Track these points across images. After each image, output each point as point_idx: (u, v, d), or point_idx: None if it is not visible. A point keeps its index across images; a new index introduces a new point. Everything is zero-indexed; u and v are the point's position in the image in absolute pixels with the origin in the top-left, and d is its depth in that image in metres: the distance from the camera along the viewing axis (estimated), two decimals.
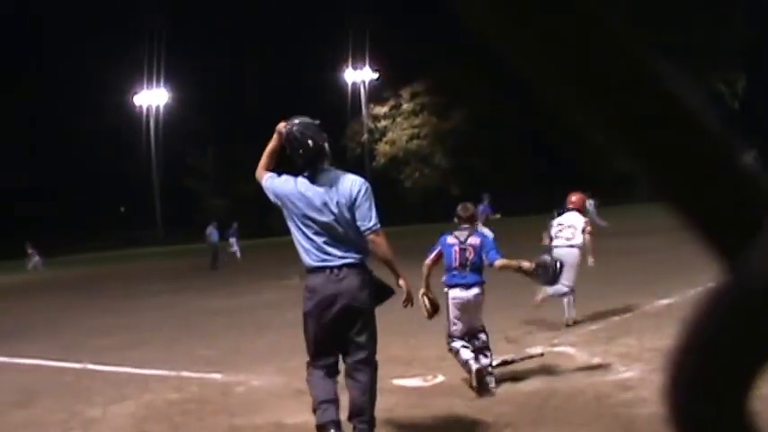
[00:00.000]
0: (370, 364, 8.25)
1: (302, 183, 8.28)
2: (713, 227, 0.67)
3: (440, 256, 11.24)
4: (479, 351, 11.04)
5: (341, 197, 8.09)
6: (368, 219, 8.14)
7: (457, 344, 11.15)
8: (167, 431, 9.91)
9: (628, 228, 35.77)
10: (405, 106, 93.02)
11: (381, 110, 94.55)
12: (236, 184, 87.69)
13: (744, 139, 0.66)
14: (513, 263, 10.94)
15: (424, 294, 10.55)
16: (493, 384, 10.85)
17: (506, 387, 10.79)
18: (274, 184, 8.40)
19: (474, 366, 10.77)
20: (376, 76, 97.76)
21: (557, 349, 12.58)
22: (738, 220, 0.66)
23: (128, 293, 29.26)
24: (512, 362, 11.99)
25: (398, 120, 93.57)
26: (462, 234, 11.28)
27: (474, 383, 10.71)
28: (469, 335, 11.18)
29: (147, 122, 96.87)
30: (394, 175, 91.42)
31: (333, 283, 8.02)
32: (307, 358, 8.31)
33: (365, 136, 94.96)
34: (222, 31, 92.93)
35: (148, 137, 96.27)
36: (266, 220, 65.18)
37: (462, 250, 11.13)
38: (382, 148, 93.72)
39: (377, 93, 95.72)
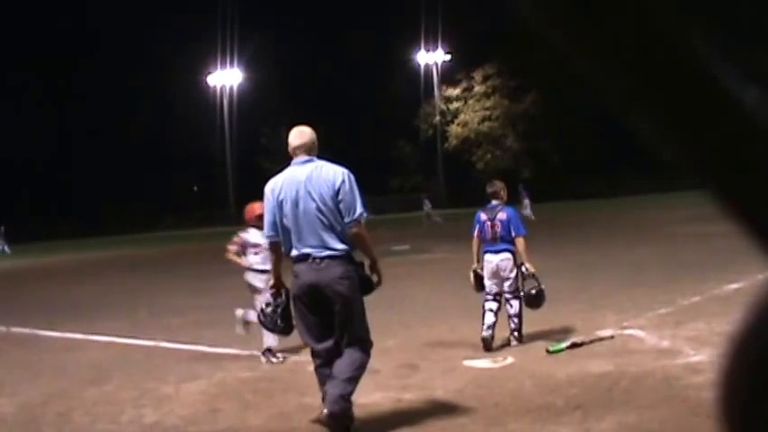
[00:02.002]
0: (359, 348, 8.38)
1: (287, 175, 8.43)
2: (765, 222, 0.68)
3: (479, 231, 12.91)
4: (510, 317, 12.73)
5: (324, 188, 8.18)
6: (352, 210, 8.24)
7: (488, 305, 12.73)
8: (238, 409, 10.01)
9: (700, 212, 35.53)
10: (477, 88, 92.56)
11: (453, 92, 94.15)
12: None
13: None
14: (524, 255, 12.72)
15: (473, 270, 12.84)
16: (516, 343, 12.61)
17: (576, 369, 10.79)
18: (269, 205, 8.51)
19: (482, 334, 12.45)
20: (448, 57, 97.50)
21: (626, 332, 12.54)
22: None
23: (201, 273, 29.45)
24: (581, 344, 12.03)
25: (470, 102, 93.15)
26: (492, 211, 12.93)
27: (484, 333, 12.49)
28: (503, 297, 12.80)
29: (221, 103, 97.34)
30: (465, 156, 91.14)
31: (314, 272, 8.15)
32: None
33: (437, 118, 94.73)
34: (295, 11, 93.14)
35: (222, 117, 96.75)
36: None
37: (492, 225, 12.76)
38: (454, 129, 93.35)
39: (449, 74, 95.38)
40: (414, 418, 9.14)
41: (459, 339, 13.41)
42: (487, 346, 12.40)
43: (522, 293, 12.77)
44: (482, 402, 9.61)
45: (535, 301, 12.75)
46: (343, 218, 8.22)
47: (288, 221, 8.26)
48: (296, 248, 8.25)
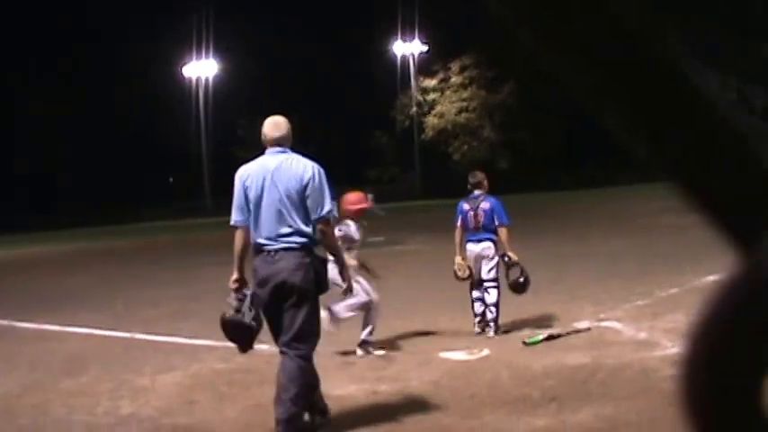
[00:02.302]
0: (299, 348, 8.21)
1: (258, 162, 8.39)
2: (730, 216, 0.68)
3: (463, 220, 13.09)
4: (486, 307, 13.01)
5: (292, 180, 8.11)
6: (319, 207, 8.16)
7: (474, 293, 13.18)
8: (214, 400, 10.00)
9: (676, 203, 35.60)
10: (454, 79, 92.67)
11: (430, 82, 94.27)
12: None
13: None
14: (507, 245, 12.95)
15: (463, 259, 13.14)
16: (491, 334, 12.83)
17: (553, 361, 10.80)
18: (238, 191, 8.39)
19: (476, 329, 13.02)
20: (425, 48, 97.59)
21: (603, 324, 12.57)
22: (755, 211, 0.67)
23: (177, 265, 29.43)
24: (558, 336, 12.05)
25: (447, 93, 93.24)
26: (475, 201, 13.24)
27: (476, 330, 12.97)
28: (482, 286, 13.05)
29: (197, 94, 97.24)
30: (442, 147, 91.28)
31: (269, 265, 8.09)
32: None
33: (414, 108, 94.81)
34: (271, 2, 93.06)
35: (198, 108, 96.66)
36: None
37: (475, 215, 13.08)
38: (431, 120, 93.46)
39: (426, 65, 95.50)
40: (389, 410, 9.14)
41: (434, 331, 13.42)
42: (483, 328, 13.04)
43: (509, 285, 13.07)
44: (458, 394, 9.61)
45: (522, 287, 13.07)
46: (307, 213, 8.14)
47: (252, 210, 8.21)
48: (255, 238, 8.20)
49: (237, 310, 8.37)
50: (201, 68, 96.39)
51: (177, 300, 19.14)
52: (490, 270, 13.03)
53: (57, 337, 15.49)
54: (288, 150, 8.39)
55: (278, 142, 8.38)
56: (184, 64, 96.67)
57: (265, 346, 10.01)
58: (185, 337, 14.03)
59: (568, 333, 12.16)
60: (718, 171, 0.67)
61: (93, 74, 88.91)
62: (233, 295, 8.39)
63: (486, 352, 11.73)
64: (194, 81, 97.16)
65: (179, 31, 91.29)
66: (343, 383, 10.35)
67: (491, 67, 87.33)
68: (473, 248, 13.08)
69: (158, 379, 11.25)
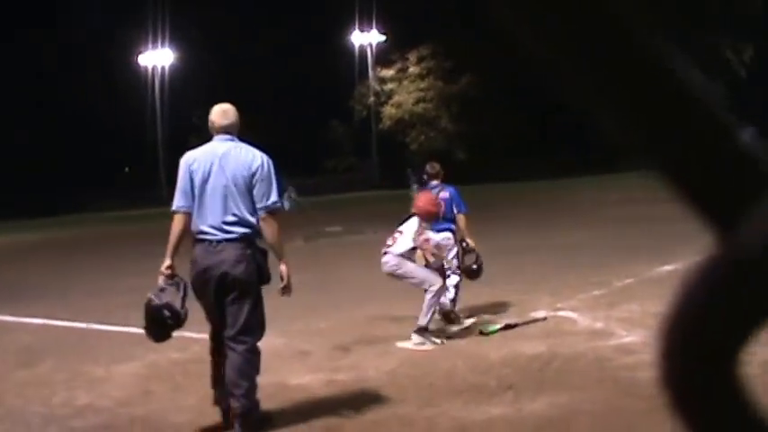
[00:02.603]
0: (245, 342, 8.21)
1: (205, 148, 8.32)
2: (707, 198, 0.69)
3: None
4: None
5: (239, 167, 8.05)
6: (265, 197, 8.11)
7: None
8: (170, 390, 9.98)
9: (632, 195, 35.82)
10: (411, 69, 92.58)
11: (388, 73, 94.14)
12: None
13: (749, 107, 0.69)
14: (466, 231, 13.23)
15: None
16: (449, 305, 12.93)
17: (509, 350, 10.88)
18: (183, 175, 8.26)
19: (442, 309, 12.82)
20: (383, 38, 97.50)
21: (559, 314, 12.64)
22: (732, 193, 0.68)
23: (132, 254, 29.26)
24: (515, 326, 12.11)
25: (405, 83, 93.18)
26: (434, 190, 13.26)
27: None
28: (443, 273, 12.76)
29: (153, 82, 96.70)
30: (400, 137, 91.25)
31: (211, 255, 7.99)
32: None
33: (371, 98, 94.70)
34: None
35: (153, 97, 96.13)
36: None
37: None
38: (388, 110, 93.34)
39: (384, 56, 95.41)
40: (346, 399, 9.18)
41: (391, 321, 13.45)
42: (456, 320, 12.95)
43: (463, 270, 13.25)
44: (415, 383, 9.66)
45: (475, 273, 13.26)
46: (252, 202, 8.08)
47: (195, 195, 8.09)
48: (196, 225, 8.09)
49: (161, 298, 8.34)
50: (158, 57, 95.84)
51: (133, 290, 18.96)
52: (451, 258, 13.22)
53: (11, 328, 15.38)
54: (235, 138, 8.32)
55: (226, 130, 8.31)
56: (140, 53, 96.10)
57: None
58: (141, 328, 13.96)
59: (525, 323, 12.24)
60: (695, 155, 0.68)
61: (47, 60, 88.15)
62: (162, 282, 8.31)
63: (443, 341, 11.79)
64: (150, 70, 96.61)
65: (135, 19, 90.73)
66: (300, 373, 10.37)
67: (448, 58, 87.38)
68: (433, 237, 13.05)
69: (114, 369, 11.21)
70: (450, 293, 13.11)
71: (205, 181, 8.03)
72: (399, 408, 8.74)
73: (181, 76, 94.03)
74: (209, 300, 8.13)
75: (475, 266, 13.20)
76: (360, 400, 9.05)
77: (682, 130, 0.68)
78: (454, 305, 13.13)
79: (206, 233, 8.00)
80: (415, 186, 58.72)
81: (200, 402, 9.14)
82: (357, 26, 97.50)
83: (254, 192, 8.05)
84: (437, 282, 11.78)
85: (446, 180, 13.83)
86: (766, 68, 65.98)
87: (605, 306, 13.30)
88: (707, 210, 0.69)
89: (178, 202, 8.21)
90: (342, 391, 9.55)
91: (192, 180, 8.08)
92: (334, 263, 23.21)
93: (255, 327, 8.29)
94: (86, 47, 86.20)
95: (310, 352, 11.57)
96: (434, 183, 13.65)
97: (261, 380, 9.83)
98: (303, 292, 17.31)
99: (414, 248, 11.88)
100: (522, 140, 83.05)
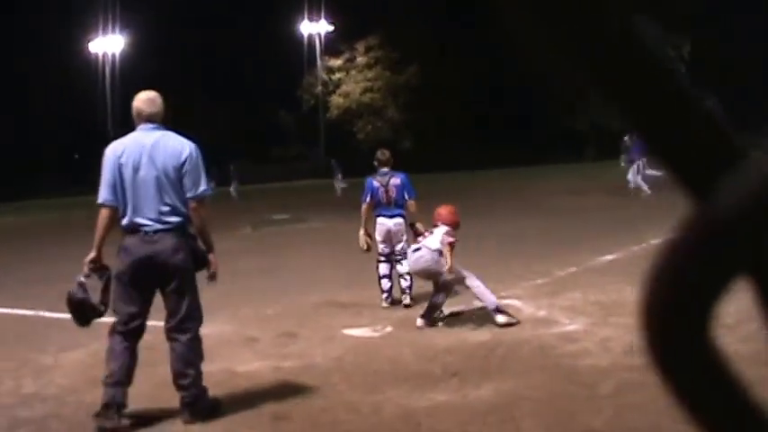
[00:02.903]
0: (188, 330, 8.24)
1: (132, 139, 8.22)
2: (685, 164, 0.71)
3: (374, 196, 13.61)
4: (401, 276, 13.59)
5: (169, 158, 8.00)
6: (195, 185, 8.07)
7: (381, 268, 13.71)
8: None
9: (574, 186, 36.09)
10: (359, 59, 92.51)
11: (336, 62, 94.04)
12: (192, 132, 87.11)
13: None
14: (417, 216, 13.50)
15: (365, 234, 13.68)
16: (407, 301, 13.45)
17: (454, 338, 10.99)
18: (110, 168, 8.12)
19: (383, 305, 13.48)
20: (331, 28, 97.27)
21: (503, 302, 12.73)
22: (708, 162, 0.70)
23: (79, 241, 29.00)
24: (460, 313, 12.23)
25: (353, 73, 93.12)
26: (384, 178, 13.83)
27: (384, 305, 13.48)
28: (393, 258, 13.70)
29: (104, 69, 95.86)
30: (347, 127, 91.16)
31: (147, 244, 7.92)
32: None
33: (319, 88, 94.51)
34: None
35: (104, 84, 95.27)
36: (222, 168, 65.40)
37: (386, 191, 13.72)
38: (336, 100, 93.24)
39: (332, 45, 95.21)
40: (293, 386, 9.21)
41: (338, 308, 13.53)
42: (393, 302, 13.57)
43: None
44: (361, 370, 9.74)
45: None
46: (184, 192, 8.03)
47: (125, 187, 7.97)
48: (128, 217, 7.98)
49: (84, 290, 8.30)
50: (108, 44, 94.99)
51: None
52: (403, 245, 13.55)
53: None
54: (161, 127, 8.25)
55: (151, 118, 8.22)
56: (91, 40, 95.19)
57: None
58: None
59: (470, 310, 12.35)
60: (669, 124, 0.71)
61: None
62: (85, 273, 8.26)
63: (389, 329, 11.88)
64: (101, 56, 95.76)
65: (86, 5, 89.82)
66: (248, 360, 10.42)
67: (395, 49, 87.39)
68: (385, 222, 13.69)
69: (62, 357, 11.15)
70: (405, 282, 13.41)
71: (136, 173, 7.93)
72: (346, 394, 8.81)
73: (131, 62, 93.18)
74: (142, 289, 8.08)
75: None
76: (307, 387, 9.09)
77: (656, 97, 0.71)
78: (410, 292, 13.42)
79: (141, 225, 7.93)
80: (339, 176, 58.80)
81: (150, 389, 9.16)
82: (306, 16, 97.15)
83: (184, 181, 8.01)
84: (469, 273, 12.08)
85: (393, 169, 13.97)
86: (704, 64, 66.53)
87: (548, 294, 13.45)
88: (684, 178, 0.71)
89: (105, 195, 8.09)
90: (289, 377, 9.59)
91: (120, 172, 7.98)
92: (281, 250, 23.23)
93: (196, 314, 8.32)
94: (37, 33, 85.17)
95: (258, 339, 11.61)
96: (384, 169, 13.92)
97: (209, 367, 9.88)
98: (251, 279, 17.46)
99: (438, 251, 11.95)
100: (467, 131, 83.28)
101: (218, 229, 31.67)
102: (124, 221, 7.99)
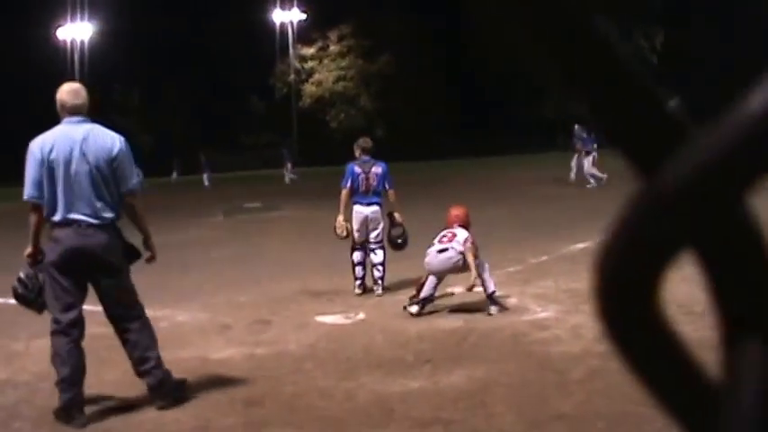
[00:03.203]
0: (136, 317, 8.30)
1: (60, 132, 8.08)
2: (634, 145, 0.73)
3: (353, 183, 13.58)
4: (374, 266, 13.60)
5: (100, 152, 7.90)
6: (127, 180, 8.05)
7: (355, 256, 13.73)
8: (93, 364, 9.88)
9: (546, 175, 36.19)
10: (332, 48, 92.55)
11: (309, 51, 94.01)
12: (162, 119, 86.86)
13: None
14: (397, 205, 13.82)
15: (344, 220, 13.69)
16: (379, 291, 13.46)
17: (426, 325, 11.05)
18: (36, 163, 7.96)
19: (356, 291, 13.55)
20: (304, 16, 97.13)
21: (476, 290, 12.81)
22: (657, 138, 0.72)
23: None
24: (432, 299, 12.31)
25: (325, 61, 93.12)
26: (366, 164, 13.82)
27: (356, 291, 13.55)
28: (368, 246, 13.68)
29: (72, 57, 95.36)
30: (320, 115, 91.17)
31: (80, 237, 7.83)
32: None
33: (292, 76, 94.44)
34: None
35: (73, 71, 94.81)
36: (194, 156, 65.33)
37: (367, 178, 13.69)
38: (309, 88, 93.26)
39: (305, 34, 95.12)
40: (267, 372, 9.26)
41: (310, 295, 13.58)
42: (365, 290, 13.64)
43: (389, 241, 13.71)
44: (334, 357, 9.80)
45: (399, 246, 13.77)
46: (114, 186, 7.96)
47: (56, 183, 7.82)
48: (61, 213, 7.85)
49: (26, 287, 8.27)
50: (76, 31, 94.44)
51: None
52: (377, 234, 13.62)
53: None
54: (87, 120, 8.15)
55: (77, 110, 8.11)
56: (59, 26, 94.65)
57: (148, 312, 10.09)
58: None
59: (442, 296, 12.42)
60: (626, 104, 0.73)
61: None
62: (24, 270, 8.32)
63: (361, 316, 11.95)
64: (69, 44, 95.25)
65: None
66: (222, 347, 10.46)
67: (368, 37, 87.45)
68: (363, 210, 13.66)
69: (34, 344, 11.09)
70: (378, 272, 13.46)
71: (68, 167, 7.80)
72: (319, 381, 8.86)
73: (100, 50, 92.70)
74: (74, 280, 8.03)
75: (400, 241, 13.71)
76: (280, 373, 9.15)
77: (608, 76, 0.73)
78: (384, 282, 13.48)
79: (75, 220, 7.83)
80: (289, 165, 58.57)
81: (124, 376, 9.18)
82: (278, 4, 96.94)
83: (116, 175, 7.95)
84: (483, 261, 12.16)
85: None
86: (676, 54, 66.99)
87: (520, 282, 13.54)
88: (633, 160, 0.73)
89: (32, 191, 7.96)
90: (262, 364, 9.64)
91: (51, 168, 7.83)
92: (253, 238, 23.26)
93: (136, 299, 8.35)
94: (3, 20, 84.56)
95: (231, 326, 11.64)
96: (366, 157, 13.93)
97: (182, 354, 9.96)
98: (223, 267, 17.50)
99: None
100: (439, 119, 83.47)
101: (189, 218, 31.78)
102: (56, 217, 7.86)
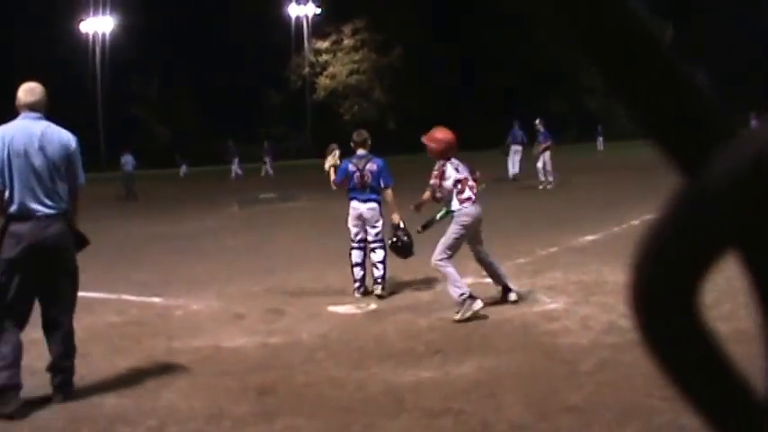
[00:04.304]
0: (71, 314, 8.39)
1: (19, 126, 8.16)
2: (676, 140, 0.73)
3: (345, 180, 13.27)
4: (374, 264, 13.06)
5: (57, 147, 8.10)
6: (79, 174, 8.33)
7: (354, 255, 13.14)
8: (108, 352, 10.02)
9: (556, 166, 36.15)
10: (346, 42, 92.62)
11: (323, 44, 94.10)
12: (179, 111, 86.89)
13: None
14: (393, 206, 13.15)
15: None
16: (379, 291, 12.84)
17: (437, 316, 11.09)
18: None
19: (356, 295, 12.90)
20: (319, 10, 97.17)
21: (486, 281, 12.83)
22: (700, 135, 0.72)
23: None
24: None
25: (339, 55, 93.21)
26: (361, 162, 13.29)
27: (357, 295, 12.90)
28: (367, 245, 13.18)
29: (94, 49, 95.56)
30: (333, 108, 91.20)
31: (38, 230, 7.94)
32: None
33: (306, 69, 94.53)
34: None
35: (94, 64, 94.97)
36: (210, 148, 65.40)
37: (362, 175, 13.15)
38: (323, 81, 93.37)
39: (319, 28, 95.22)
40: (279, 361, 9.33)
41: (323, 285, 13.64)
42: (367, 292, 13.00)
43: (389, 242, 13.08)
44: (346, 347, 9.86)
45: (402, 250, 13.04)
46: (67, 180, 8.18)
47: (14, 173, 7.95)
48: (18, 203, 7.96)
49: None
50: (99, 24, 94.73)
51: None
52: (377, 232, 13.16)
53: None
54: (44, 117, 8.28)
55: (32, 107, 8.22)
56: (82, 20, 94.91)
57: (157, 299, 10.18)
58: (79, 291, 13.98)
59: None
60: (661, 99, 0.73)
61: None
62: None
63: (373, 307, 12.02)
64: (91, 36, 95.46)
65: None
66: (235, 336, 10.52)
67: (381, 31, 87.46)
68: (358, 206, 13.15)
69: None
70: (378, 271, 13.07)
71: (27, 159, 7.95)
72: (331, 370, 8.92)
73: (121, 43, 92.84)
74: (24, 276, 8.03)
75: (400, 244, 13.02)
76: (293, 363, 9.23)
77: (649, 70, 0.73)
78: (384, 282, 13.04)
79: (33, 210, 7.96)
80: (236, 160, 58.09)
81: (137, 364, 9.29)
82: None
83: (69, 170, 8.19)
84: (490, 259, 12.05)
85: (377, 150, 13.80)
86: (686, 49, 66.85)
87: (530, 274, 13.57)
88: (675, 155, 0.72)
89: None
90: (275, 353, 9.73)
91: (9, 159, 7.95)
92: (267, 228, 23.32)
93: (75, 294, 8.46)
94: (28, 14, 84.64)
95: (245, 315, 11.70)
96: (361, 152, 13.45)
97: (197, 342, 10.04)
98: (238, 257, 17.58)
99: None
100: (451, 112, 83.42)
101: (204, 208, 31.74)
102: (13, 207, 7.97)
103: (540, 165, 32.92)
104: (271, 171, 58.51)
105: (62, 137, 8.23)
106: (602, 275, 12.70)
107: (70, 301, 8.37)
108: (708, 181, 0.70)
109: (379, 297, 12.77)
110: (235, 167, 58.31)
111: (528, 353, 9.14)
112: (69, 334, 8.40)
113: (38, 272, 8.09)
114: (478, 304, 10.87)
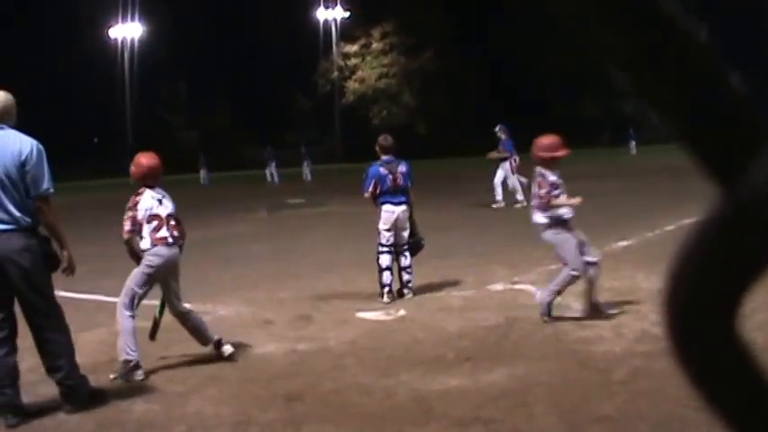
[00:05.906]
0: (51, 324, 8.20)
1: None
2: (710, 152, 0.70)
3: (377, 185, 13.13)
4: (403, 269, 13.11)
5: (9, 157, 7.80)
6: (38, 184, 7.91)
7: (383, 260, 13.02)
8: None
9: (588, 171, 35.96)
10: (375, 45, 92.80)
11: (352, 48, 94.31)
12: (206, 116, 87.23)
13: None
14: (412, 206, 13.26)
15: None
16: (410, 295, 12.93)
17: (467, 323, 10.99)
18: None
19: (384, 300, 12.72)
20: (347, 14, 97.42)
21: (517, 287, 12.75)
22: (733, 146, 0.69)
23: (98, 222, 28.96)
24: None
25: (368, 58, 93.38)
26: (391, 165, 13.25)
27: (384, 300, 12.73)
28: (397, 249, 13.12)
29: (122, 55, 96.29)
30: (362, 112, 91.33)
31: None
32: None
33: (335, 74, 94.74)
34: None
35: (123, 69, 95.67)
36: (238, 153, 65.62)
37: (394, 179, 13.11)
38: (352, 85, 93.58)
39: (348, 31, 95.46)
40: (307, 368, 9.28)
41: (352, 291, 13.57)
42: (393, 296, 12.91)
43: (411, 240, 13.23)
44: (375, 354, 9.78)
45: (418, 249, 13.36)
46: (27, 191, 7.87)
47: None
48: None
49: None
50: (127, 30, 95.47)
51: (97, 258, 18.91)
52: (407, 233, 13.18)
53: None
54: (5, 127, 8.01)
55: None
56: (111, 26, 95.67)
57: (186, 305, 10.11)
58: (106, 295, 13.92)
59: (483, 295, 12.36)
60: (700, 108, 0.70)
61: (19, 33, 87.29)
62: None
63: (402, 313, 11.92)
64: (120, 43, 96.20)
65: None
66: (264, 342, 10.47)
67: (410, 35, 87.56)
68: (393, 210, 13.07)
69: (81, 336, 11.12)
70: (408, 275, 13.11)
71: None
72: (359, 377, 8.86)
73: (149, 49, 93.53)
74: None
75: (422, 243, 13.36)
76: (321, 370, 9.17)
77: (684, 74, 0.71)
78: (411, 286, 13.11)
79: None
80: (273, 164, 58.19)
81: (165, 370, 9.26)
82: (322, 2, 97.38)
83: (27, 180, 7.85)
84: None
85: (405, 154, 13.76)
86: (720, 51, 66.61)
87: None
88: (712, 164, 0.70)
89: None
90: (303, 360, 9.67)
91: None
92: (296, 234, 23.30)
93: (53, 308, 8.23)
94: (58, 20, 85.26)
95: (273, 321, 11.67)
96: (388, 157, 13.36)
97: (226, 348, 9.96)
98: (265, 262, 17.54)
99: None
100: (480, 116, 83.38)
101: (232, 213, 31.81)
102: None
103: (496, 180, 28.48)
104: (309, 176, 58.65)
105: (14, 145, 7.89)
106: (635, 282, 12.58)
107: (46, 315, 8.16)
108: (751, 189, 0.66)
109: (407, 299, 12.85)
110: (272, 171, 58.64)
111: (559, 361, 9.03)
112: (54, 349, 8.25)
113: (4, 289, 7.92)
114: (140, 375, 9.43)
